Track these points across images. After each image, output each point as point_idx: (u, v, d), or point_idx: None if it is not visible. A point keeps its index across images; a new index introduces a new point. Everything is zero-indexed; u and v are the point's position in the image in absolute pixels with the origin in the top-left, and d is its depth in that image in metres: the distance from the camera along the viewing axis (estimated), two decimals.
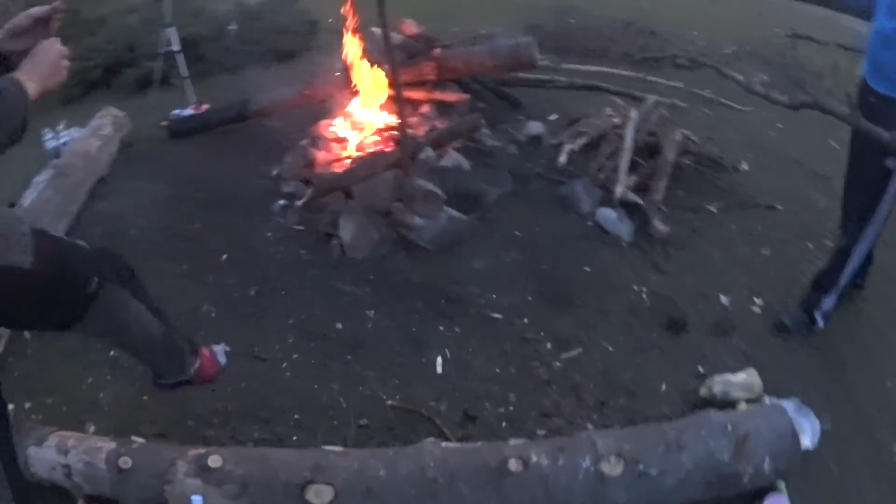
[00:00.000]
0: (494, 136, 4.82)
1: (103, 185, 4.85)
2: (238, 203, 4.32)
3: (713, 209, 4.41)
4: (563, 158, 4.57)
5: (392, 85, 3.59)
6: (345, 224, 3.63)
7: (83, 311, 2.01)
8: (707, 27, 8.70)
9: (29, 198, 4.05)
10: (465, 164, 4.07)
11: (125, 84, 7.22)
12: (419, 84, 5.12)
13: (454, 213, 3.69)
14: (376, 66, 4.68)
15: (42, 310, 1.94)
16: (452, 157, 3.99)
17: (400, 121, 3.67)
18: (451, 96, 5.06)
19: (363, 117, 4.67)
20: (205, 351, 2.56)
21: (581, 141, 4.84)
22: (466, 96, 5.09)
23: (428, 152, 3.93)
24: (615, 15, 8.60)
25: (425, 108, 4.99)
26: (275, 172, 4.53)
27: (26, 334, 3.20)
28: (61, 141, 5.22)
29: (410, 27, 5.28)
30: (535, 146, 4.86)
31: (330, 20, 8.19)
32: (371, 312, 3.38)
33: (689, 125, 5.14)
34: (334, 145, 4.52)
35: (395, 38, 5.34)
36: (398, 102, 3.68)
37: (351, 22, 4.52)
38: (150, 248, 3.84)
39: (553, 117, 5.54)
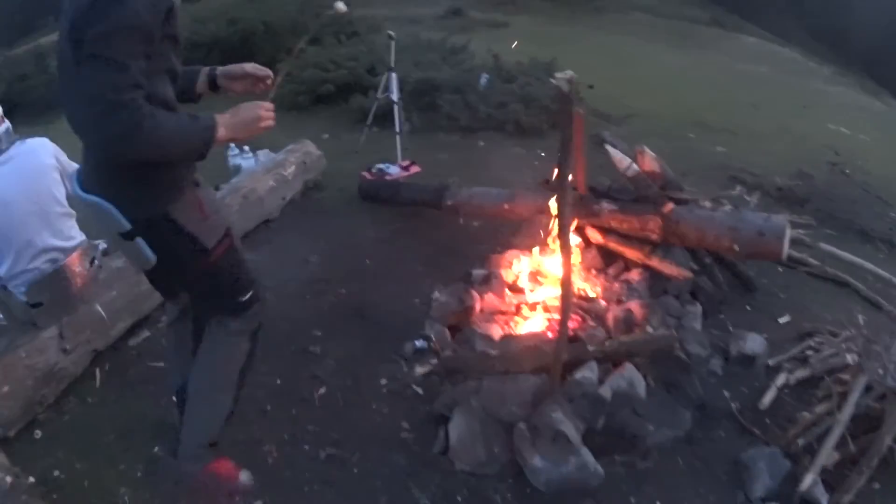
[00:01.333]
0: (700, 339, 3.82)
1: (263, 229, 4.63)
2: (374, 320, 3.78)
3: None
4: (767, 399, 3.47)
5: (564, 259, 2.78)
6: (457, 422, 2.93)
7: (231, 311, 2.39)
8: None
9: None
10: (640, 388, 3.15)
11: (348, 111, 7.05)
12: (637, 239, 4.26)
13: (589, 459, 2.82)
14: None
15: (205, 289, 2.36)
16: (625, 377, 3.10)
17: (561, 318, 2.87)
18: (671, 269, 4.12)
19: (553, 269, 3.92)
20: (228, 462, 2.56)
21: (801, 374, 3.66)
22: (689, 275, 4.11)
23: (589, 372, 3.08)
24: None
25: (633, 275, 4.10)
26: (434, 295, 3.93)
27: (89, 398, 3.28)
28: (244, 161, 5.11)
29: (650, 161, 4.40)
30: (745, 366, 3.78)
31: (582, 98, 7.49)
32: None
33: None
34: (507, 293, 3.83)
35: (629, 166, 4.52)
36: (564, 288, 2.86)
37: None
38: None
39: (784, 319, 4.32)
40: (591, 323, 3.62)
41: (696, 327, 3.81)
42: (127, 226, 2.12)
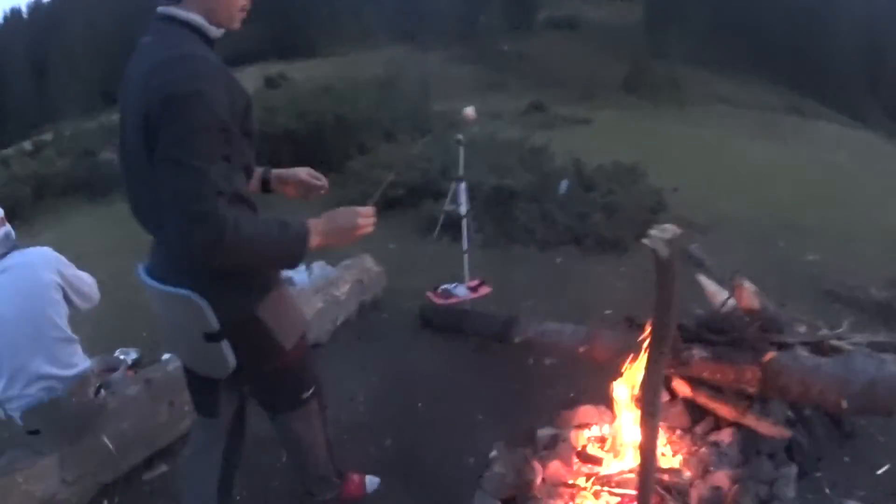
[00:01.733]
0: None
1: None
2: (418, 482, 3.27)
3: None
4: None
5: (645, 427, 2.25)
6: None
7: (290, 408, 2.37)
8: None
9: None
10: None
11: (417, 218, 6.71)
12: (731, 392, 3.65)
13: None
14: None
15: (268, 388, 2.30)
16: None
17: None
18: (769, 428, 3.47)
19: (632, 436, 3.36)
20: (354, 477, 2.93)
21: None
22: (789, 434, 3.44)
23: None
24: None
25: (724, 436, 3.47)
26: (492, 455, 3.40)
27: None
28: (296, 275, 4.76)
29: (749, 296, 3.81)
30: None
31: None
32: None
33: None
34: (575, 461, 3.29)
35: (725, 301, 3.94)
36: (645, 461, 2.30)
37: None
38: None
39: (884, 469, 3.49)
40: (672, 502, 3.02)
41: (789, 495, 3.14)
42: (216, 326, 1.96)
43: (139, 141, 1.76)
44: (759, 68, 30.96)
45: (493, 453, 3.37)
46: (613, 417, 3.41)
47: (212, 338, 1.98)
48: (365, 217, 2.03)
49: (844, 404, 3.23)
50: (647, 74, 25.56)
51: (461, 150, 4.72)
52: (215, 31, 1.90)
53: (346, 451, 3.44)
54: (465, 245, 4.96)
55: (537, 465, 3.14)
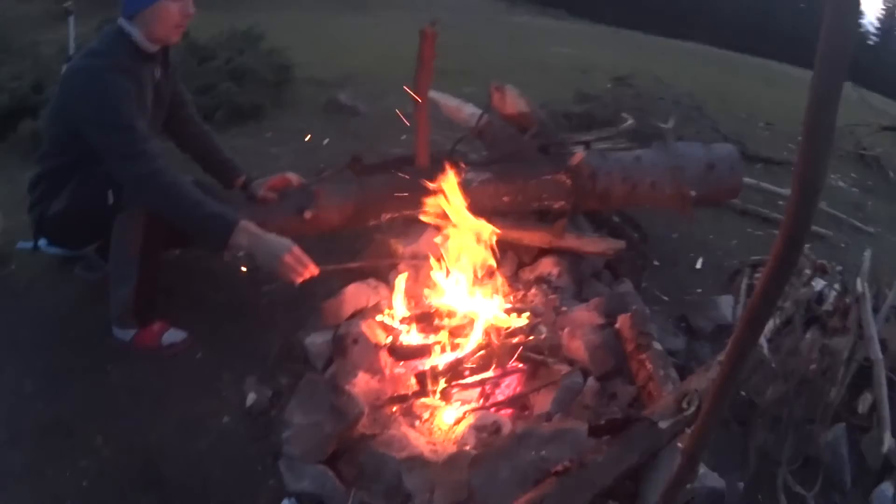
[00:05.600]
0: (667, 328, 2.44)
1: None
2: (176, 486, 1.79)
3: None
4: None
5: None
6: None
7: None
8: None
9: None
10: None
11: (18, 142, 4.59)
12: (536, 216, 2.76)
13: None
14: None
15: None
16: None
17: None
18: (596, 245, 2.67)
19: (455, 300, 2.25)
20: (155, 325, 2.30)
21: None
22: (619, 246, 2.69)
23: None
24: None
25: (548, 268, 2.60)
26: (250, 400, 2.01)
27: None
28: None
29: (514, 100, 2.91)
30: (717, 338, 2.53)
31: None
32: None
33: None
34: (386, 360, 2.10)
35: (474, 114, 3.00)
36: None
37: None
38: None
39: (699, 264, 3.23)
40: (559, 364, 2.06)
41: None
42: None
43: None
44: None
45: (251, 397, 1.99)
46: (396, 288, 2.28)
47: None
48: (295, 261, 2.00)
49: (692, 193, 2.57)
50: None
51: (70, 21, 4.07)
52: (152, 47, 2.19)
53: (45, 478, 1.81)
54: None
55: (348, 388, 1.85)
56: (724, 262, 3.22)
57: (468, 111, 3.12)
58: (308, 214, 2.56)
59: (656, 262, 3.13)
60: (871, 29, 49.79)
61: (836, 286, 2.68)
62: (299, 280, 2.03)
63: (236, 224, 1.99)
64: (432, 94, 3.00)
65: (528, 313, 2.25)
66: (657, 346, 2.02)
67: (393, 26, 9.71)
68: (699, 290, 2.93)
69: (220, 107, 4.89)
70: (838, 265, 3.08)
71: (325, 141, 4.27)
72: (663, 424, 1.59)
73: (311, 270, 2.05)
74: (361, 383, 2.01)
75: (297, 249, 2.03)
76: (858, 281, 2.65)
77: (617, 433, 1.57)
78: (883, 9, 49.60)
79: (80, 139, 2.05)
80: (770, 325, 2.34)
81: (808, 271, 2.82)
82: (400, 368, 2.15)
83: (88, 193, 2.15)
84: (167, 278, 2.46)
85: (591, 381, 2.00)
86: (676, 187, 2.63)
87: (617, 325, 2.14)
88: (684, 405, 1.62)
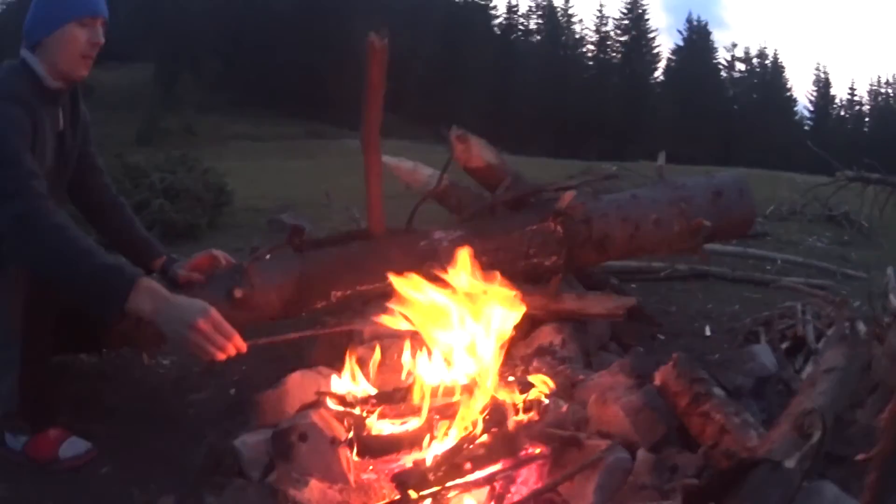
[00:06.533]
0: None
1: None
2: None
3: None
4: None
5: None
6: None
7: None
8: None
9: None
10: None
11: None
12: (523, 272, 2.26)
13: None
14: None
15: None
16: None
17: None
18: (599, 305, 2.15)
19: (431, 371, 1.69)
20: (52, 432, 1.81)
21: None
22: (631, 302, 2.18)
23: None
24: None
25: (549, 337, 2.08)
26: None
27: None
28: None
29: (480, 151, 2.49)
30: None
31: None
32: None
33: None
34: (350, 458, 1.51)
35: (433, 174, 2.57)
36: None
37: None
38: None
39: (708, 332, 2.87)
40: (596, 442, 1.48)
41: None
42: None
43: None
44: (275, 104, 34.30)
45: None
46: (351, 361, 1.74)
47: None
48: (212, 327, 1.55)
49: (707, 223, 2.13)
50: (159, 125, 26.87)
51: None
52: (55, 83, 1.88)
53: None
54: None
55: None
56: (733, 325, 2.88)
57: (426, 172, 2.69)
58: (239, 293, 2.03)
59: (661, 336, 2.69)
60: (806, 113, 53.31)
61: None
62: (219, 356, 1.56)
63: (136, 280, 1.58)
64: (384, 158, 2.58)
65: (541, 379, 1.69)
66: (719, 391, 1.48)
67: (333, 166, 9.75)
68: (716, 356, 2.46)
69: (154, 225, 4.76)
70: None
71: (268, 256, 3.84)
72: (790, 463, 1.08)
73: (236, 344, 1.58)
74: (315, 495, 1.39)
75: (215, 314, 1.58)
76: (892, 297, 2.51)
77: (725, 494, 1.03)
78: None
79: None
80: None
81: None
82: (369, 473, 1.54)
83: None
84: (75, 388, 2.14)
85: (641, 453, 1.42)
86: (685, 221, 2.19)
87: (658, 381, 1.59)
88: (807, 430, 1.13)
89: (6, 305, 1.70)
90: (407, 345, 1.76)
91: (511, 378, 1.75)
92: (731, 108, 49.59)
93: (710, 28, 57.19)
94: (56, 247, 1.59)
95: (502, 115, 39.51)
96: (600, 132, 41.55)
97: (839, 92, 61.65)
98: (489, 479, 1.45)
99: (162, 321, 1.56)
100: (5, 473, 1.74)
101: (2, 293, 1.69)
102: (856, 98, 56.25)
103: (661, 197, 2.27)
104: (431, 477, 1.41)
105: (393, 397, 1.61)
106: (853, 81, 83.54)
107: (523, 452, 1.51)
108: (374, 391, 1.67)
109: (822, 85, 56.69)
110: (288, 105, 34.48)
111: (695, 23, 55.34)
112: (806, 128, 51.70)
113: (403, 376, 1.72)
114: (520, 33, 54.57)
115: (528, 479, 1.49)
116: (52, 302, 1.76)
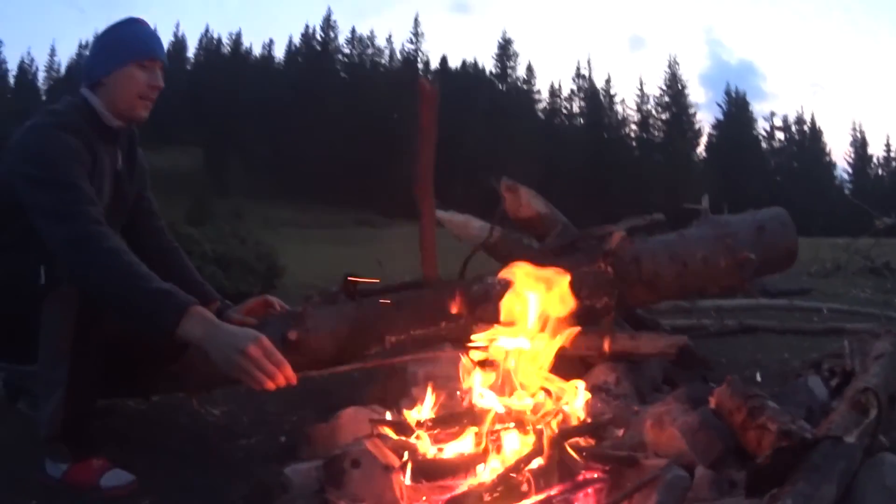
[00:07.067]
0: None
1: None
2: None
3: None
4: None
5: None
6: None
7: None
8: None
9: None
10: None
11: None
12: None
13: None
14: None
15: None
16: None
17: None
18: (652, 344, 2.16)
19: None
20: (94, 461, 1.79)
21: None
22: (682, 339, 2.18)
23: None
24: None
25: (604, 376, 2.08)
26: None
27: None
28: None
29: (529, 200, 2.55)
30: None
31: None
32: None
33: None
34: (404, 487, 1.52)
35: (483, 226, 2.62)
36: None
37: None
38: None
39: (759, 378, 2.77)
40: (655, 462, 1.47)
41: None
42: None
43: None
44: (322, 193, 35.37)
45: None
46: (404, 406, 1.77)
47: None
48: (262, 354, 1.54)
49: (752, 256, 2.14)
50: (209, 209, 26.76)
51: None
52: (114, 121, 1.93)
53: None
54: None
55: None
56: (784, 370, 2.88)
57: (477, 225, 2.75)
58: (293, 335, 2.09)
59: (712, 384, 2.65)
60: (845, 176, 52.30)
61: None
62: (268, 384, 1.54)
63: (189, 305, 1.59)
64: (443, 214, 2.67)
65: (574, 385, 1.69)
66: (773, 404, 1.47)
67: (386, 251, 9.98)
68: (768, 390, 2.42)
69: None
70: None
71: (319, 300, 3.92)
72: (850, 438, 1.07)
73: (286, 373, 1.56)
74: None
75: (266, 342, 1.57)
76: None
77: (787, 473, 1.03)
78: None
79: (20, 213, 1.70)
80: None
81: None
82: (422, 502, 1.54)
83: (14, 268, 1.75)
84: (122, 425, 2.14)
85: (700, 470, 1.41)
86: (732, 257, 2.20)
87: (713, 404, 1.58)
88: (866, 404, 1.13)
89: (56, 325, 1.72)
90: (463, 368, 1.77)
91: (566, 404, 1.75)
92: (773, 179, 49.11)
93: (749, 98, 57.34)
94: (111, 269, 1.62)
95: (548, 198, 40.31)
96: (646, 212, 41.91)
97: (876, 150, 60.83)
98: (546, 502, 1.45)
99: (212, 346, 1.56)
100: (43, 499, 1.73)
101: (53, 313, 1.72)
102: (892, 154, 55.63)
103: (707, 234, 2.30)
104: (488, 498, 1.41)
105: (448, 422, 1.62)
106: (888, 137, 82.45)
107: (581, 475, 1.50)
108: (429, 414, 1.69)
109: (860, 145, 56.16)
110: (336, 193, 35.49)
111: (733, 95, 55.80)
112: (846, 191, 50.86)
113: (459, 400, 1.74)
114: (563, 117, 55.58)
115: (587, 501, 1.47)
116: (102, 327, 1.76)
